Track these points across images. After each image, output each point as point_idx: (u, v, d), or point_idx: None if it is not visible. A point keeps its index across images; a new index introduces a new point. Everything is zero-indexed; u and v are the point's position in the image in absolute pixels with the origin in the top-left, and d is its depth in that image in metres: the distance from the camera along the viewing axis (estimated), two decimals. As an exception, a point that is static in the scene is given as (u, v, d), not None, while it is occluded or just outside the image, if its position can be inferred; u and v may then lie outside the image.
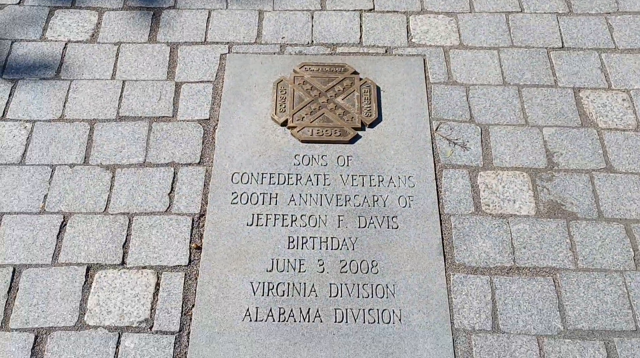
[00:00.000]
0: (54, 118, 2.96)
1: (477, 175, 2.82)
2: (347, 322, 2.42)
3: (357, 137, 2.93)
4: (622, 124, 2.99)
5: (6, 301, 2.44)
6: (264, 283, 2.51)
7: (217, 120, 2.97)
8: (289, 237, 2.62)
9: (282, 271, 2.54)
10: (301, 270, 2.54)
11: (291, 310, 2.45)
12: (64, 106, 3.01)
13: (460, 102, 3.06)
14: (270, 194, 2.74)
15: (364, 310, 2.45)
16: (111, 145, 2.88)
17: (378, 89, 3.10)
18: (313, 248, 2.60)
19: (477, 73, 3.17)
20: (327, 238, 2.63)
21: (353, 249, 2.60)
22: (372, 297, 2.48)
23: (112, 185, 2.75)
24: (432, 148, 2.90)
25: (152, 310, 2.44)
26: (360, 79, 3.11)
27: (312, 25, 3.36)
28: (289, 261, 2.56)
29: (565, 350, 2.36)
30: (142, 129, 2.94)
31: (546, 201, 2.74)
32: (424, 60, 3.22)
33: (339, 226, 2.66)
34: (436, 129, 2.97)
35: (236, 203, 2.71)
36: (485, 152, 2.89)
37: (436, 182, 2.79)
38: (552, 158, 2.87)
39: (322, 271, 2.54)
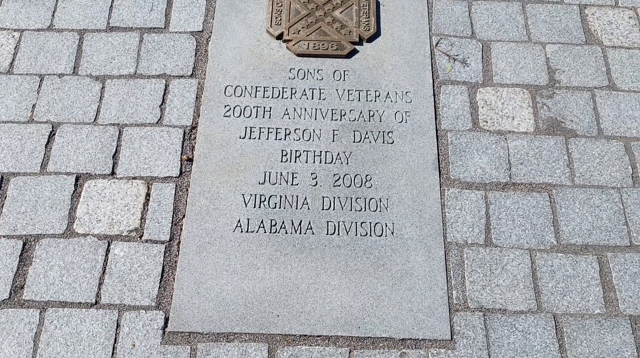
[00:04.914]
0: (43, 28, 2.88)
1: (477, 91, 2.75)
2: (339, 234, 2.40)
3: (354, 51, 2.84)
4: (627, 42, 2.90)
5: (-6, 208, 2.43)
6: (255, 195, 2.47)
7: (211, 32, 2.89)
8: (282, 150, 2.58)
9: (274, 184, 2.50)
10: (294, 183, 2.51)
11: (283, 222, 2.42)
12: (53, 15, 2.92)
13: (462, 18, 2.96)
14: (264, 107, 2.68)
15: (356, 223, 2.42)
16: (101, 56, 2.80)
17: (377, 3, 2.99)
18: (306, 162, 2.56)
19: (480, -12, 3.07)
20: (321, 152, 2.58)
21: (347, 163, 2.56)
22: (364, 211, 2.45)
23: (101, 96, 2.69)
24: (431, 64, 2.82)
25: (142, 220, 2.41)
26: (359, -8, 3.01)
27: (311, -63, 3.23)
28: (281, 174, 2.52)
29: (558, 264, 2.34)
30: (133, 40, 2.85)
31: (546, 118, 2.68)
32: (426, -26, 3.10)
33: (333, 141, 2.61)
34: (436, 45, 2.88)
35: (229, 116, 2.66)
36: (486, 68, 2.81)
37: (434, 98, 2.72)
38: (553, 75, 2.79)
39: (315, 185, 2.50)
